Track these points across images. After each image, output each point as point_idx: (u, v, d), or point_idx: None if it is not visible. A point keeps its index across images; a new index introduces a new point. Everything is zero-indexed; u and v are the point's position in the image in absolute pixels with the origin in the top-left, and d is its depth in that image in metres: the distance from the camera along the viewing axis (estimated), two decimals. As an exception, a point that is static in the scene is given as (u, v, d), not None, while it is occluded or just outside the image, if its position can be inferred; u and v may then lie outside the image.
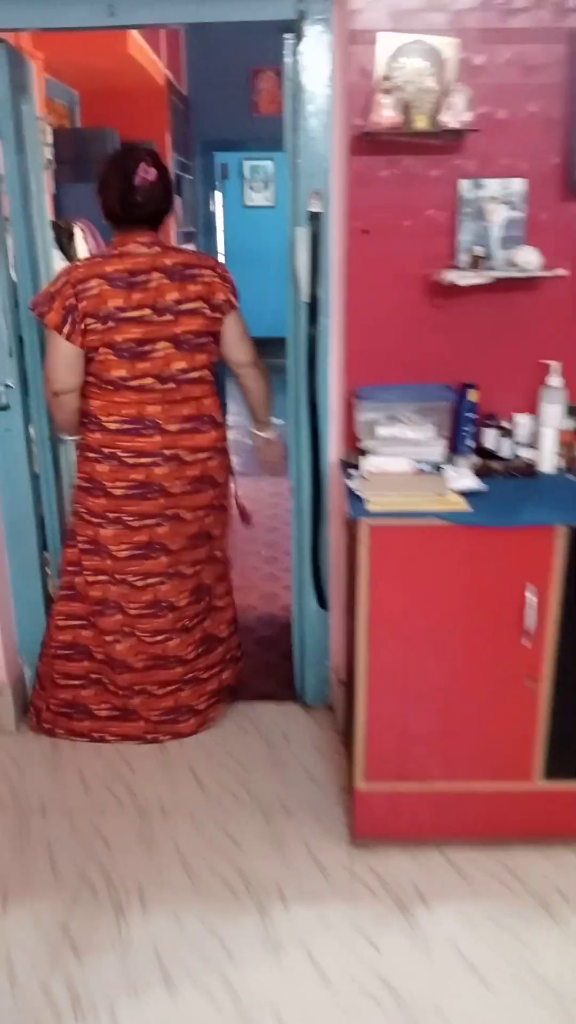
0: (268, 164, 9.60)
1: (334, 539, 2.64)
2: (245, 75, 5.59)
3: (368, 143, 2.18)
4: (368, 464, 2.20)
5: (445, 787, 2.15)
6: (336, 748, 2.65)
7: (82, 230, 3.56)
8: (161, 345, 2.33)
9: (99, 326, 2.28)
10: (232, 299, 2.41)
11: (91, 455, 2.42)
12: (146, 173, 2.28)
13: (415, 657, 2.05)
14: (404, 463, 2.19)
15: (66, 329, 2.27)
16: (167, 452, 2.39)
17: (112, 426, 2.37)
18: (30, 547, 2.75)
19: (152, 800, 2.43)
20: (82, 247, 3.54)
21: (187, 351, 2.36)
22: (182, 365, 2.36)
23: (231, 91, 5.62)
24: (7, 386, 2.57)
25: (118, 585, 2.51)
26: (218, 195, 7.01)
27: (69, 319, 2.26)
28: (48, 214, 2.88)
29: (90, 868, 2.17)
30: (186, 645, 2.60)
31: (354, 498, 2.05)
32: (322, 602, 2.71)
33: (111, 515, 2.44)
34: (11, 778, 2.53)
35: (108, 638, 2.56)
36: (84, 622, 2.59)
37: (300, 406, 2.52)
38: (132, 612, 2.53)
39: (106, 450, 2.39)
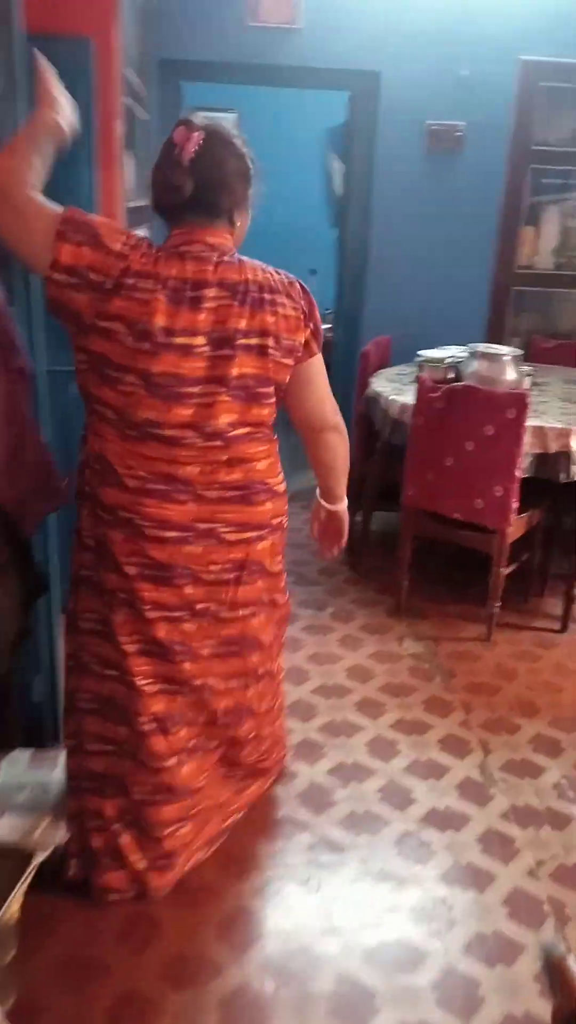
0: (228, 119, 6.96)
1: None
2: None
3: None
4: None
5: None
6: None
7: None
8: (209, 388, 1.75)
9: (121, 328, 1.67)
10: (314, 343, 1.85)
11: (103, 515, 1.84)
12: (186, 140, 1.68)
13: None
14: None
15: (63, 278, 1.64)
16: (201, 526, 1.84)
17: (132, 483, 1.80)
18: None
19: None
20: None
21: (243, 400, 1.79)
22: (233, 418, 1.79)
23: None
24: None
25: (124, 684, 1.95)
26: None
27: (83, 277, 1.64)
28: None
29: None
30: (199, 773, 2.04)
31: None
32: None
33: (121, 595, 1.86)
34: None
35: (91, 747, 1.99)
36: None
37: None
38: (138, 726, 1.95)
39: (121, 513, 1.82)
